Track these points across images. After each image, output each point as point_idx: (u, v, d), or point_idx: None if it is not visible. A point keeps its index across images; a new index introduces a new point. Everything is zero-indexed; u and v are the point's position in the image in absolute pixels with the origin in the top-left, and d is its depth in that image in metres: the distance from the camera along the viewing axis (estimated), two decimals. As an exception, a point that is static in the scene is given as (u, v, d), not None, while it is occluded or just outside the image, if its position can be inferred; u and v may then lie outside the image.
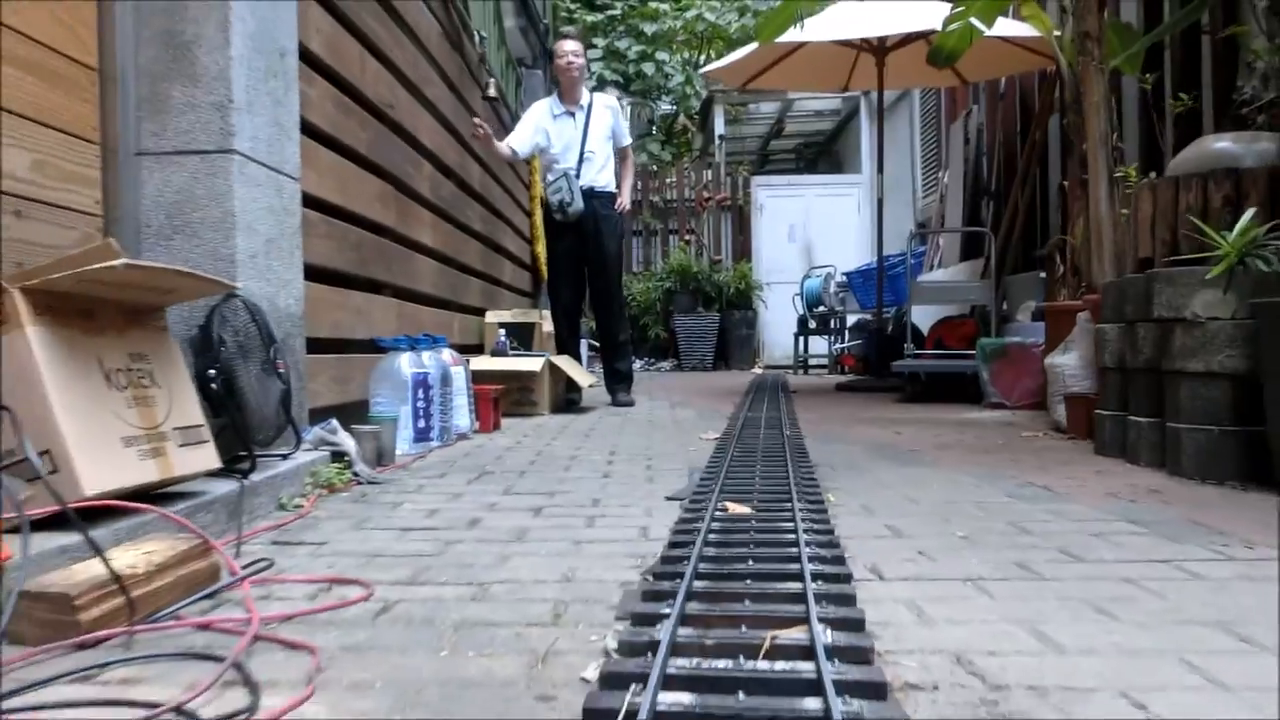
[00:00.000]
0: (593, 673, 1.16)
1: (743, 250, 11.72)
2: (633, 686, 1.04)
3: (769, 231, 11.71)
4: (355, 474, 2.75)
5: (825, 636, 1.20)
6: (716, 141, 11.92)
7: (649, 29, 12.57)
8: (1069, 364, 3.80)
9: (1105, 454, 3.20)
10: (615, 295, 5.67)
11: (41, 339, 1.60)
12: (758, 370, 10.33)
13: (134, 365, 1.87)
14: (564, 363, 5.31)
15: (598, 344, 6.21)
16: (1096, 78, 4.03)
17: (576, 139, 5.51)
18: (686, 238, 11.79)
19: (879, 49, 6.47)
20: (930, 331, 6.76)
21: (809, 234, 11.61)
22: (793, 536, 1.79)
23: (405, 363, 3.44)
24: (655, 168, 12.23)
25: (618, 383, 5.74)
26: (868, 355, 7.71)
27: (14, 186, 2.08)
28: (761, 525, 1.93)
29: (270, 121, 2.81)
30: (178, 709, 1.06)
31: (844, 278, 9.60)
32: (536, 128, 5.47)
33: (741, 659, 1.14)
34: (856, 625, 1.30)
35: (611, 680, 1.09)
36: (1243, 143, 2.91)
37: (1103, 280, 3.66)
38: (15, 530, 1.38)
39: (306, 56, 3.16)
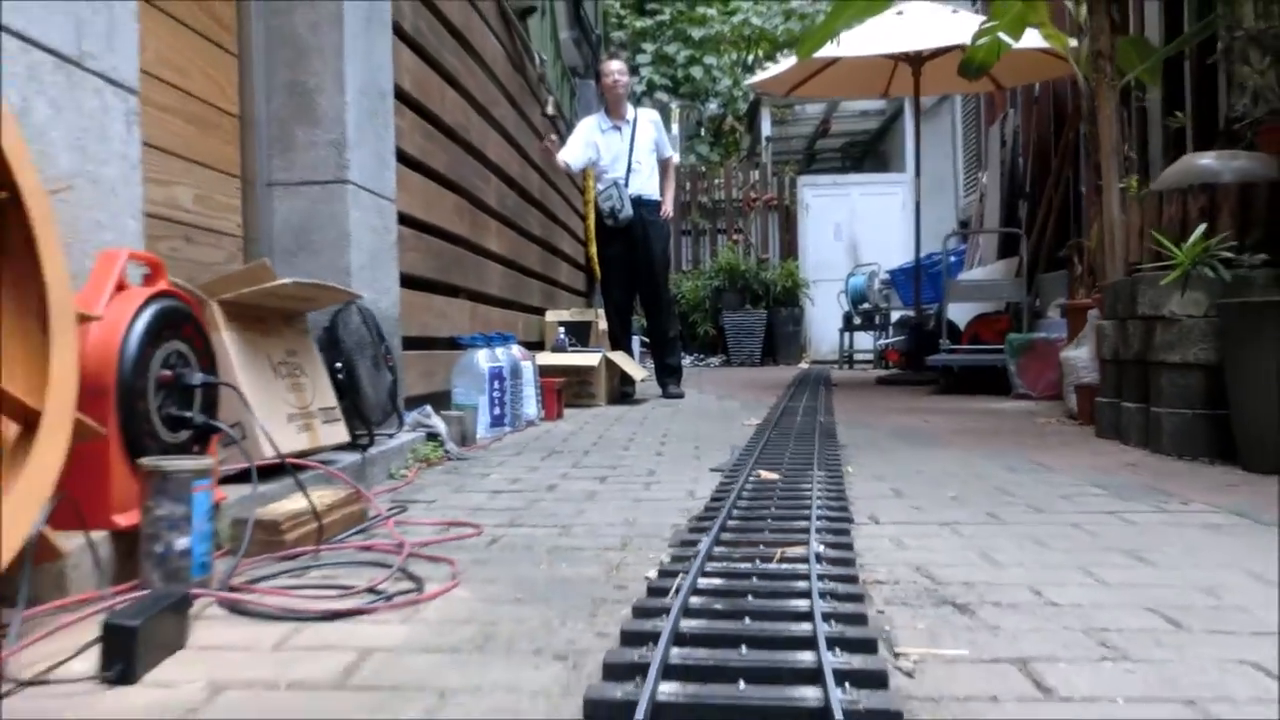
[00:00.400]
0: (653, 574, 1.65)
1: (789, 248, 12.15)
2: (679, 576, 1.53)
3: (815, 230, 12.11)
4: (446, 451, 3.27)
5: (819, 550, 1.69)
6: (763, 143, 12.35)
7: (696, 34, 13.02)
8: (1080, 357, 4.22)
9: (1103, 436, 3.62)
10: (663, 295, 6.16)
11: (233, 340, 2.14)
12: (804, 365, 10.75)
13: (288, 359, 2.41)
14: (618, 358, 5.82)
15: (648, 340, 6.71)
16: (1108, 93, 4.41)
17: (624, 151, 6.01)
18: (734, 237, 12.25)
19: (915, 59, 6.88)
20: (967, 327, 7.15)
21: (854, 232, 11.99)
22: (809, 494, 2.27)
23: (482, 358, 3.97)
24: (704, 169, 12.70)
25: (668, 376, 6.23)
26: (909, 350, 8.10)
27: (183, 216, 2.63)
28: (785, 487, 2.41)
29: (373, 153, 3.35)
30: (370, 589, 1.58)
31: (887, 275, 9.98)
32: (587, 142, 5.98)
33: (757, 563, 1.63)
34: (845, 548, 1.78)
35: (664, 574, 1.58)
36: (1223, 160, 3.31)
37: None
38: (230, 480, 1.92)
39: (399, 94, 3.69)
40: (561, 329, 6.12)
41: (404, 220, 3.72)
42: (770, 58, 13.42)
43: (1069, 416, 4.37)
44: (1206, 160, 3.35)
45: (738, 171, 12.34)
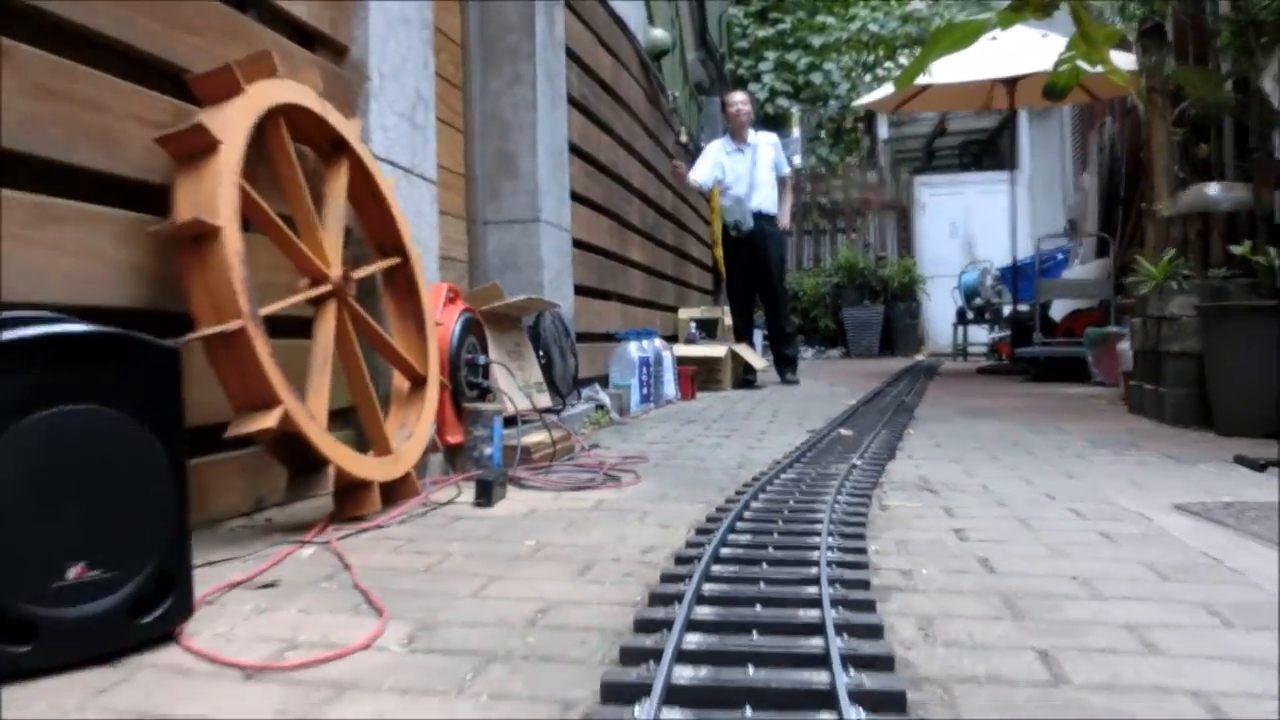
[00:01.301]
0: (748, 478, 2.82)
1: (906, 246, 13.04)
2: (765, 478, 2.69)
3: (931, 228, 12.98)
4: (611, 418, 4.51)
5: (856, 463, 2.84)
6: (880, 145, 13.27)
7: (816, 41, 14.01)
8: (1127, 349, 5.17)
9: (1133, 412, 4.60)
10: (780, 295, 7.28)
11: (491, 336, 3.41)
12: (920, 357, 11.67)
13: (514, 349, 3.68)
14: (742, 350, 6.99)
15: (768, 334, 7.84)
16: (1160, 123, 5.34)
17: (746, 171, 7.15)
18: (853, 236, 13.22)
19: (1009, 79, 7.79)
20: (1062, 321, 8.02)
21: (969, 229, 12.80)
22: (869, 443, 3.40)
23: (632, 348, 5.19)
24: (823, 170, 13.71)
25: (785, 365, 7.35)
26: (1011, 343, 8.99)
27: (443, 249, 3.93)
28: (854, 440, 3.54)
29: (556, 197, 4.61)
30: (602, 471, 2.80)
31: (999, 272, 10.81)
32: (714, 164, 7.15)
33: (815, 471, 2.79)
34: (879, 469, 2.91)
35: (756, 479, 2.74)
36: (1224, 190, 4.25)
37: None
38: (512, 422, 3.18)
39: (570, 147, 4.95)
40: (693, 324, 7.33)
41: (575, 243, 4.98)
42: (890, 57, 14.33)
43: (1122, 399, 5.31)
44: (1212, 190, 4.30)
45: (856, 173, 13.31)
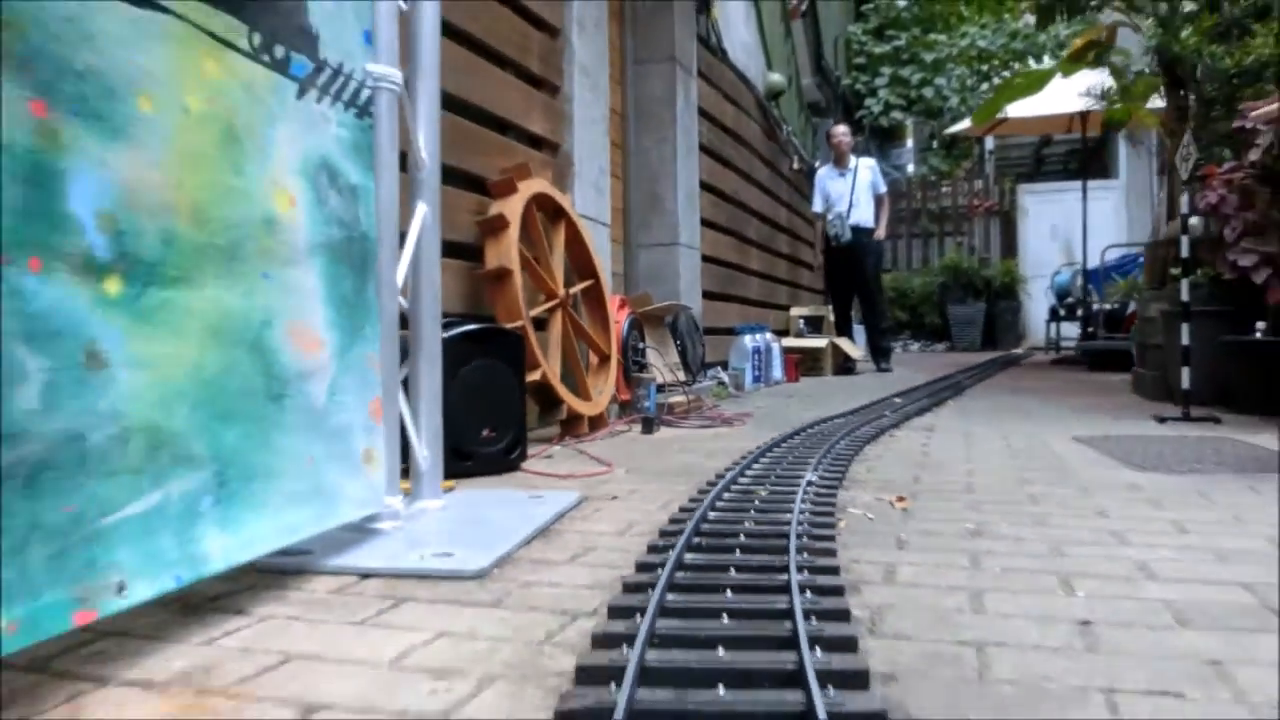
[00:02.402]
0: (817, 426, 4.32)
1: (1009, 248, 14.13)
2: (824, 423, 4.19)
3: (1033, 232, 14.03)
4: (729, 392, 6.06)
5: (886, 414, 4.32)
6: (986, 156, 14.37)
7: (928, 57, 15.18)
8: (1149, 342, 6.41)
9: (1135, 393, 5.89)
10: (875, 297, 8.69)
11: (646, 330, 5.00)
12: (1017, 350, 12.80)
13: (660, 339, 5.27)
14: (841, 342, 8.43)
15: (865, 329, 9.25)
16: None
17: (846, 191, 8.58)
18: (959, 239, 14.38)
19: (1079, 113, 8.96)
20: (1127, 317, 9.16)
21: (1069, 233, 13.79)
22: (905, 407, 4.85)
23: (747, 340, 6.72)
24: (933, 178, 14.89)
25: (879, 356, 8.76)
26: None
27: (606, 267, 5.55)
28: (900, 405, 4.99)
29: (689, 224, 6.18)
30: (718, 420, 4.37)
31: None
32: (821, 190, 8.62)
33: (859, 420, 4.28)
34: (905, 419, 4.38)
35: (819, 421, 4.25)
36: (1200, 221, 5.49)
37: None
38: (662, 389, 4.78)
39: (701, 184, 6.51)
40: (801, 320, 8.80)
41: (703, 258, 6.54)
42: (1006, 67, 15.37)
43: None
44: (1194, 220, 5.55)
45: (963, 182, 14.45)
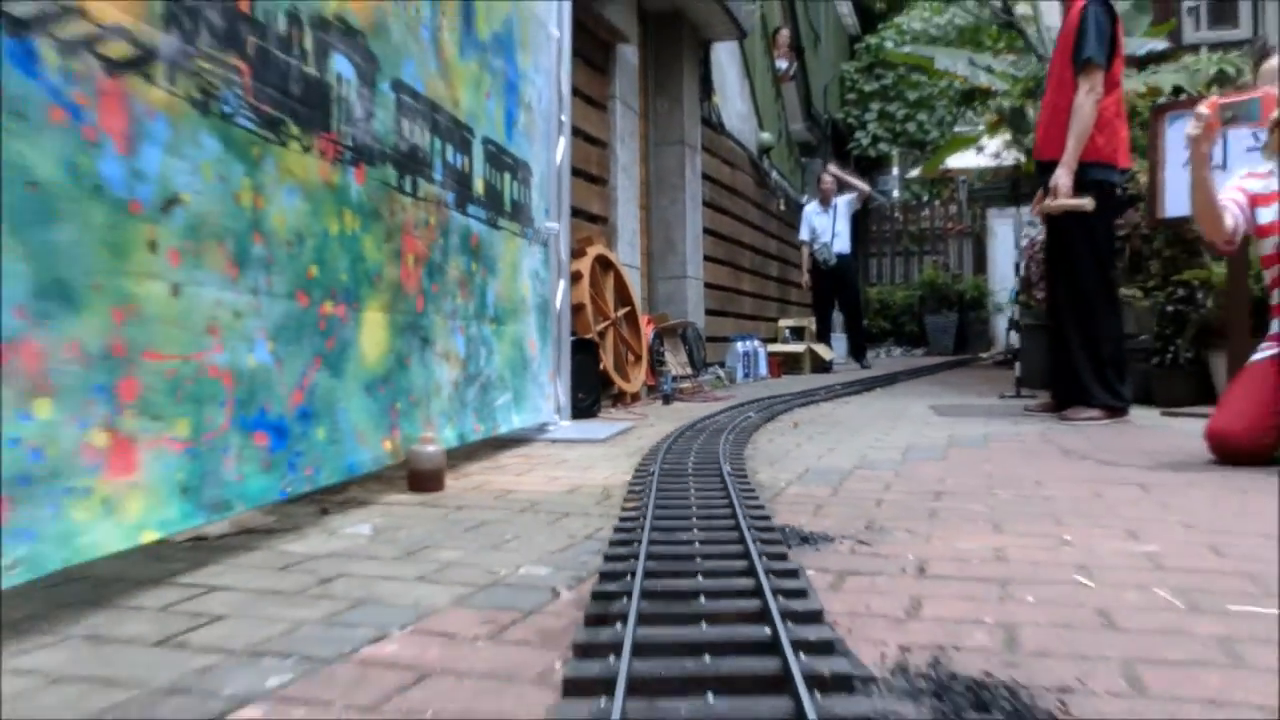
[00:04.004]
0: (774, 398, 6.81)
1: (979, 266, 16.60)
2: (777, 398, 6.68)
3: (1001, 251, 16.48)
4: (724, 384, 8.56)
5: (820, 398, 6.84)
6: (959, 184, 16.85)
7: (912, 95, 17.69)
8: (1037, 347, 8.91)
9: (1021, 383, 8.37)
10: (856, 312, 11.26)
11: (665, 339, 7.51)
12: (982, 355, 15.26)
13: (675, 345, 7.78)
14: (818, 347, 10.94)
15: (848, 335, 11.78)
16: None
17: (829, 225, 11.12)
18: (935, 258, 16.87)
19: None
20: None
21: (1030, 253, 16.24)
22: (862, 387, 7.35)
23: (740, 345, 9.22)
24: (914, 202, 17.39)
25: (859, 355, 11.31)
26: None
27: (640, 296, 8.08)
28: (839, 392, 7.49)
29: (695, 261, 8.70)
30: (713, 401, 6.88)
31: (1041, 289, 14.31)
32: (808, 223, 11.17)
33: (799, 400, 6.78)
34: (826, 400, 6.88)
35: (772, 398, 6.74)
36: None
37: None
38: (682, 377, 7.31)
39: (704, 229, 9.02)
40: (786, 330, 11.32)
41: (705, 285, 9.04)
42: (982, 104, 17.85)
43: (1038, 378, 9.03)
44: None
45: (940, 206, 16.94)
